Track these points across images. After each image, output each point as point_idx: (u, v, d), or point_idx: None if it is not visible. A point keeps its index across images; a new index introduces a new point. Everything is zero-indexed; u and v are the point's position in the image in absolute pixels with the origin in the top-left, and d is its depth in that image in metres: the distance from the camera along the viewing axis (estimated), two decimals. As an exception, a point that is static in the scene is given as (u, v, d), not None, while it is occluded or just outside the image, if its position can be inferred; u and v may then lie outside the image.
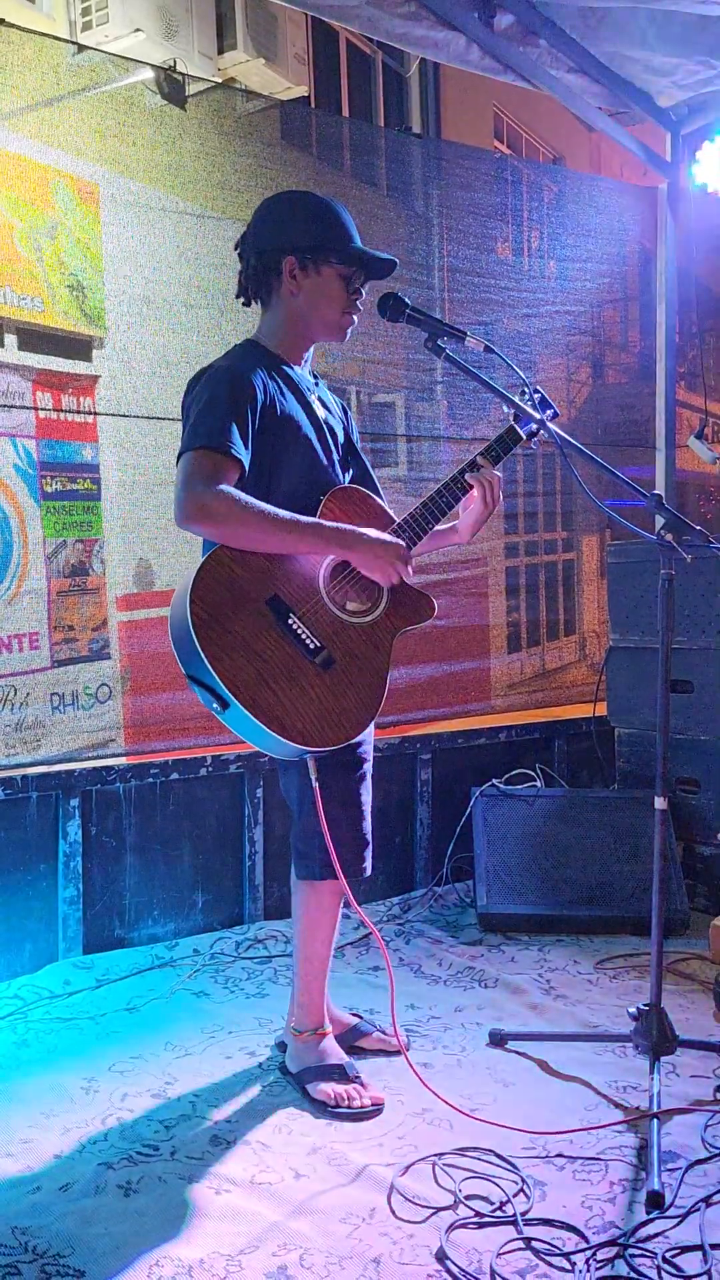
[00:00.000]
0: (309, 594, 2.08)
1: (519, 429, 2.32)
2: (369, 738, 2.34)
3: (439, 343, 2.21)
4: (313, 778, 2.09)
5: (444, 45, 3.58)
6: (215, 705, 1.98)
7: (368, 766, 2.34)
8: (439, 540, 2.40)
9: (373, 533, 2.14)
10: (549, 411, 2.34)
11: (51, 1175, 1.97)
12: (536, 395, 2.32)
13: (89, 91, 3.16)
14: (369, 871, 2.31)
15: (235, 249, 2.28)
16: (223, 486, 2.00)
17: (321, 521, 2.11)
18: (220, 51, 5.47)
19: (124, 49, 4.53)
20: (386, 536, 2.16)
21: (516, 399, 2.27)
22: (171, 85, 3.33)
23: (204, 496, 1.99)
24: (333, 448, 2.29)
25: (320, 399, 2.32)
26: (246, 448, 2.06)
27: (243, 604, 2.00)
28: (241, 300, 2.30)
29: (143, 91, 3.27)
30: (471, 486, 2.28)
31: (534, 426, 2.30)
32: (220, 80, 5.09)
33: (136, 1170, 1.97)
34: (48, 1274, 1.68)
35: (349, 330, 2.29)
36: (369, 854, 2.31)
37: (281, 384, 2.19)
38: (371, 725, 2.28)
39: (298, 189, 2.30)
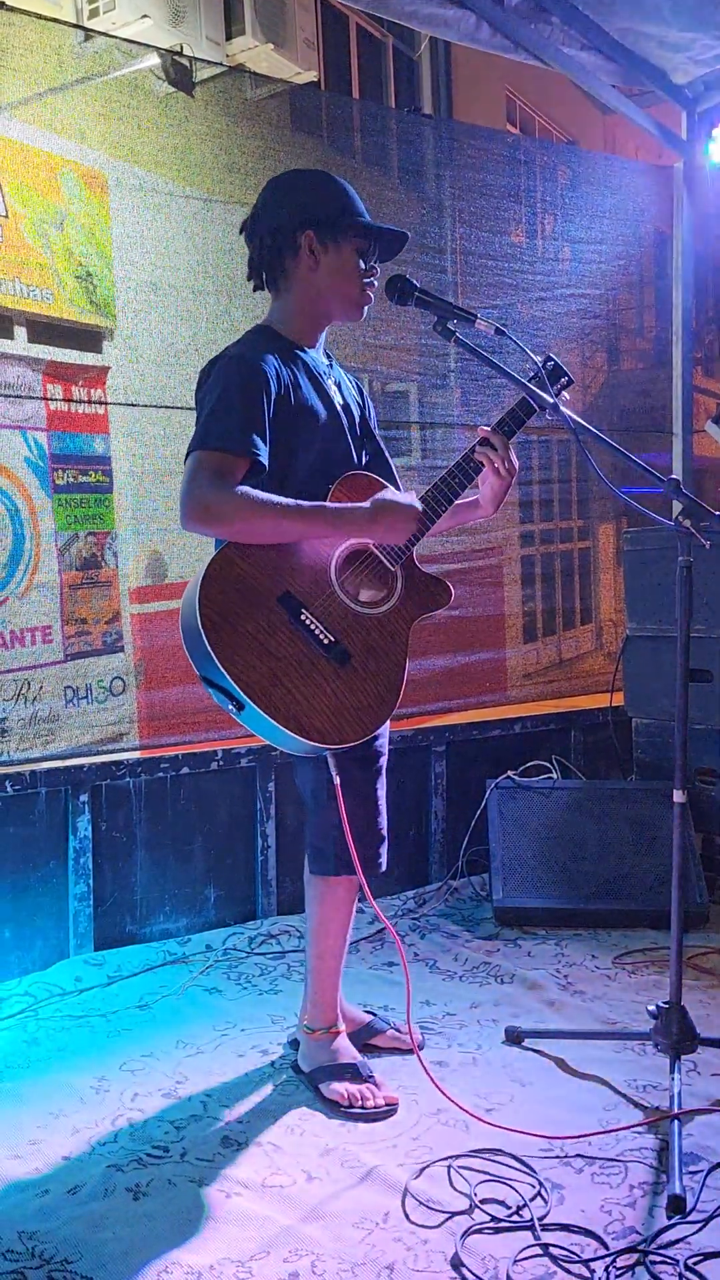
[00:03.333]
0: (321, 588, 2.04)
1: (530, 401, 2.25)
2: (385, 731, 2.30)
3: (448, 326, 2.15)
4: (333, 772, 2.06)
5: (453, 23, 3.51)
6: (231, 707, 1.95)
7: (384, 761, 2.30)
8: (463, 515, 2.35)
9: (382, 499, 2.08)
10: (564, 379, 2.27)
11: (60, 1178, 1.94)
12: (550, 364, 2.25)
13: (95, 79, 3.12)
14: (384, 867, 2.28)
15: (241, 232, 2.23)
16: (227, 486, 1.95)
17: (326, 505, 2.06)
18: (228, 37, 5.41)
19: (130, 35, 4.48)
20: (396, 498, 2.09)
21: (528, 382, 2.20)
22: (179, 71, 3.28)
23: (208, 497, 1.94)
24: (349, 432, 2.24)
25: (336, 382, 2.27)
26: (265, 442, 2.01)
27: (253, 602, 1.96)
28: (253, 285, 2.25)
29: (150, 77, 3.22)
30: (481, 464, 2.23)
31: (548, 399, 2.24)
32: (228, 66, 5.03)
33: (146, 1173, 1.94)
34: (54, 1280, 1.65)
35: (366, 308, 2.24)
36: (385, 849, 2.27)
37: (296, 370, 2.14)
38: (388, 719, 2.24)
39: (304, 167, 2.25)
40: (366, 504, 2.07)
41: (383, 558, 2.12)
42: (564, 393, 2.27)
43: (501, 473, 2.21)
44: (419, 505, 2.12)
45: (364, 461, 2.30)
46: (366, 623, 2.07)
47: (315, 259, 2.16)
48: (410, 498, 2.13)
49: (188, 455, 2.01)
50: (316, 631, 2.00)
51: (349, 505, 2.07)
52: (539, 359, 2.23)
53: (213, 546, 2.09)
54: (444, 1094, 2.10)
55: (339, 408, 2.22)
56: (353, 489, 2.16)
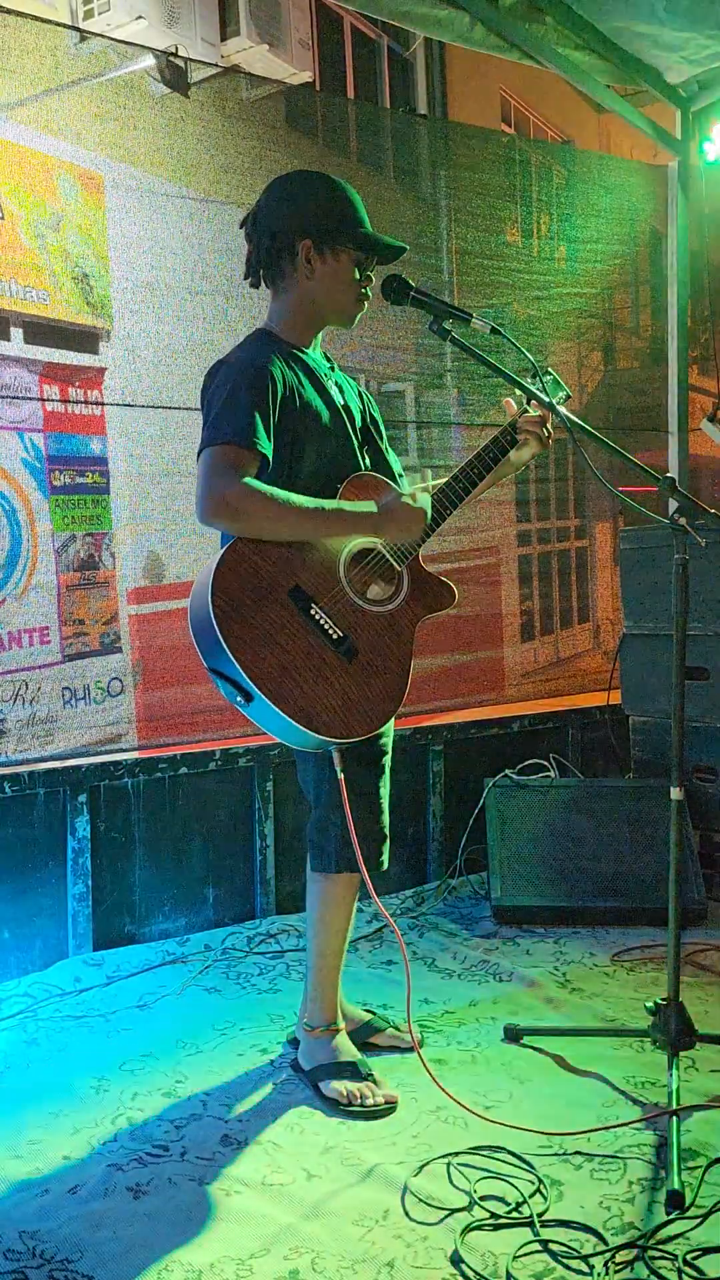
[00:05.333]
0: (330, 583, 2.05)
1: (529, 407, 2.29)
2: (389, 730, 2.31)
3: (444, 325, 2.16)
4: (338, 769, 2.07)
5: (447, 23, 3.51)
6: (239, 699, 1.96)
7: (387, 760, 2.31)
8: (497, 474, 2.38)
9: (391, 499, 2.11)
10: (561, 394, 2.29)
11: (60, 1177, 1.94)
12: (549, 378, 2.28)
13: (91, 80, 3.12)
14: (386, 865, 2.29)
15: (241, 226, 2.24)
16: (245, 481, 1.98)
17: (343, 505, 2.08)
18: (223, 38, 5.41)
19: (126, 37, 4.48)
20: (401, 499, 2.11)
21: (525, 382, 2.22)
22: (174, 72, 3.28)
23: (227, 493, 1.96)
24: (351, 433, 2.26)
25: (337, 383, 2.28)
26: (269, 440, 2.03)
27: (264, 595, 1.98)
28: (250, 282, 2.26)
29: (145, 79, 3.22)
30: (515, 442, 2.27)
31: (562, 395, 2.29)
32: (223, 66, 5.03)
33: (146, 1172, 1.95)
34: None
35: (358, 316, 2.26)
36: (386, 848, 2.29)
37: (299, 372, 2.17)
38: (392, 718, 2.25)
39: (310, 169, 2.26)
40: (377, 505, 2.10)
41: (389, 556, 2.14)
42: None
43: (544, 437, 2.28)
44: (426, 507, 2.13)
45: (367, 462, 2.30)
46: (374, 619, 2.09)
47: (311, 267, 2.17)
48: (422, 498, 2.14)
49: (200, 453, 2.03)
50: (326, 626, 2.01)
51: (362, 507, 2.09)
52: (536, 364, 2.25)
53: (218, 543, 2.10)
54: (444, 1091, 2.10)
55: (340, 408, 2.24)
56: (361, 490, 2.17)
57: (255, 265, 2.23)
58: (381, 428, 2.39)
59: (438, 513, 2.20)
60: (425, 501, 2.14)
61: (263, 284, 2.25)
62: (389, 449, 2.39)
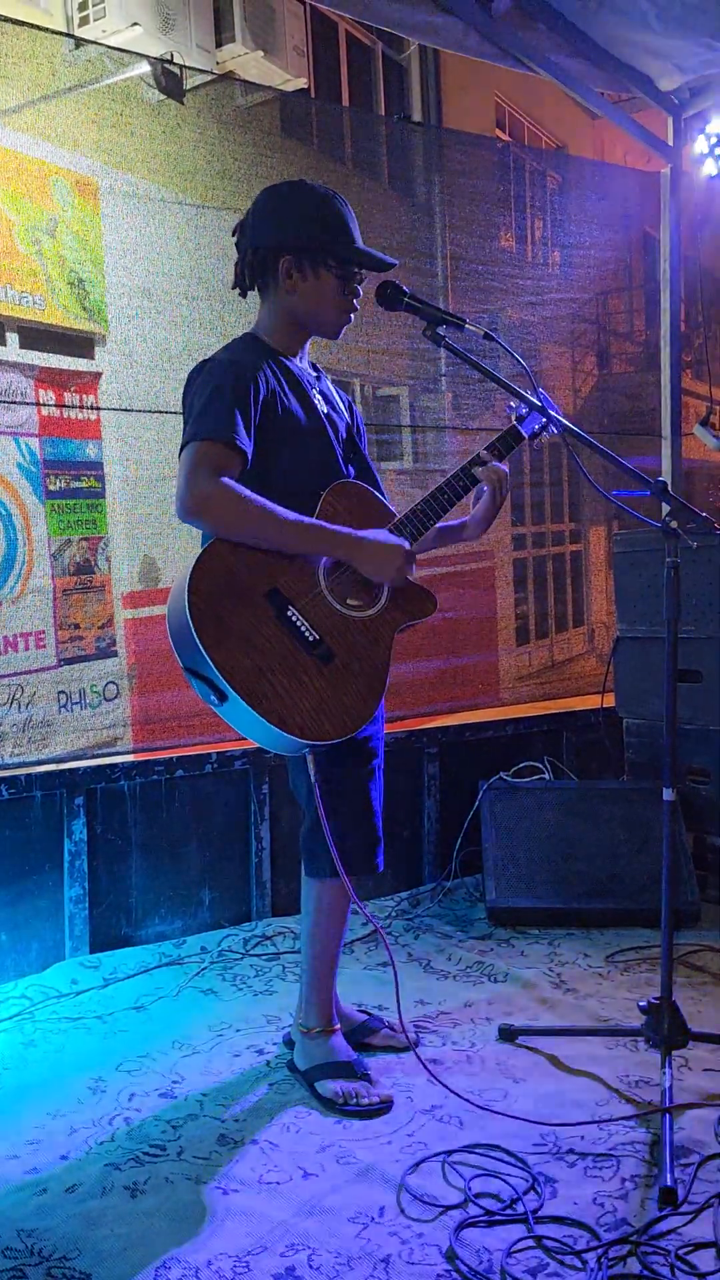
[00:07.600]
0: (309, 587, 2.06)
1: (521, 430, 2.32)
2: (380, 733, 2.32)
3: (438, 330, 2.18)
4: (311, 773, 2.07)
5: (442, 30, 3.54)
6: (213, 698, 1.96)
7: (378, 762, 2.31)
8: (447, 538, 2.40)
9: (375, 535, 2.12)
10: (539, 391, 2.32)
11: (58, 1177, 1.95)
12: (541, 395, 2.30)
13: (86, 86, 3.14)
14: (381, 868, 2.29)
15: (233, 234, 2.26)
16: (226, 480, 1.99)
17: (323, 524, 2.08)
18: (218, 45, 5.44)
19: (121, 43, 4.51)
20: (389, 539, 2.12)
21: (517, 387, 2.24)
22: (169, 79, 3.30)
23: (207, 490, 1.97)
24: (334, 442, 2.27)
25: (322, 393, 2.30)
26: (250, 438, 2.04)
27: (241, 596, 1.98)
28: (238, 291, 2.28)
29: (141, 85, 3.25)
30: (478, 480, 2.26)
31: (537, 428, 2.31)
32: (218, 73, 5.05)
33: (144, 1171, 1.96)
34: (54, 1277, 1.66)
35: (343, 329, 2.27)
36: (380, 850, 2.28)
37: (282, 378, 2.18)
38: (382, 720, 2.26)
39: (298, 180, 2.27)
40: (360, 535, 2.09)
41: None
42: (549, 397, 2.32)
43: (497, 496, 2.27)
44: (407, 545, 2.14)
45: (349, 473, 2.32)
46: (352, 624, 2.09)
47: (293, 282, 2.18)
48: (400, 540, 2.15)
49: (182, 450, 2.04)
50: (302, 628, 2.02)
51: (345, 530, 2.09)
52: (533, 390, 2.28)
53: (200, 546, 2.11)
54: (441, 1084, 2.11)
55: (323, 416, 2.25)
56: (344, 498, 2.19)
57: (240, 275, 2.25)
58: (364, 438, 2.41)
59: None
60: (403, 543, 2.14)
61: (252, 291, 2.27)
62: (371, 461, 2.42)
